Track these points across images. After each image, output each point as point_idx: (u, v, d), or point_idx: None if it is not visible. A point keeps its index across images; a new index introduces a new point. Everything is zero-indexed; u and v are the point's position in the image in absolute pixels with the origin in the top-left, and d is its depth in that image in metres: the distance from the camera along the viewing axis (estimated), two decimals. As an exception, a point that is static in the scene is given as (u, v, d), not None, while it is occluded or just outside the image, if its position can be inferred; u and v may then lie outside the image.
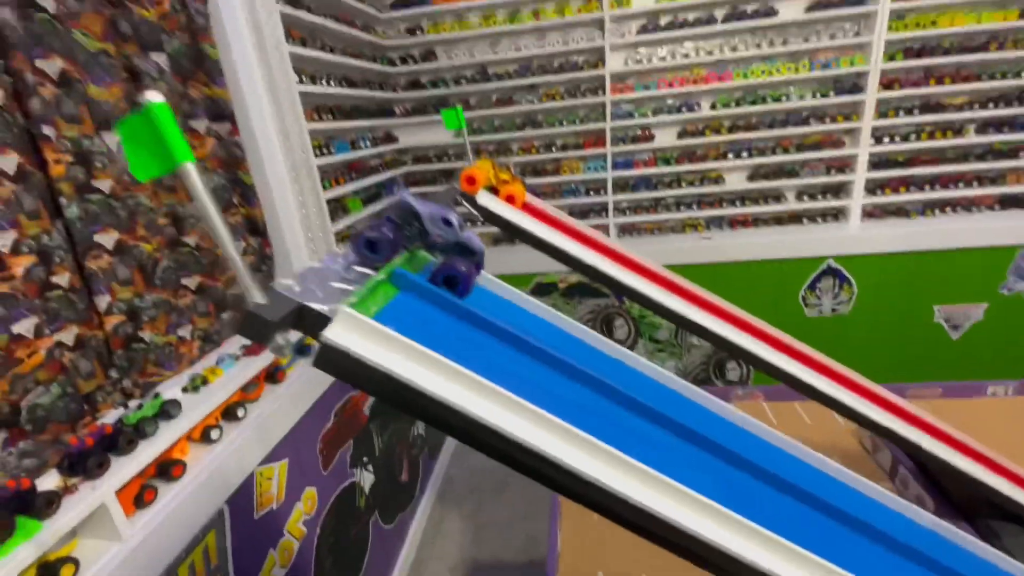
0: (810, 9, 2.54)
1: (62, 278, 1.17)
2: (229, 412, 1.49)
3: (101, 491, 1.06)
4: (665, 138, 2.89)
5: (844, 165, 2.76)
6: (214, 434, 1.40)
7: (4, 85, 1.05)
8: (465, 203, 1.08)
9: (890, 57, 2.54)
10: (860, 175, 2.72)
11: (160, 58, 1.44)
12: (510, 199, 1.08)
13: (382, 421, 2.35)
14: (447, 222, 0.61)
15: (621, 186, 2.95)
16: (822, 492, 0.56)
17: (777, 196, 2.88)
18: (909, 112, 2.63)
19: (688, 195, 2.93)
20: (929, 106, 2.62)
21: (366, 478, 2.17)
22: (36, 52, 1.11)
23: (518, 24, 2.69)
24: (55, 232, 1.15)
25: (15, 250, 1.07)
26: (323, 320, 0.43)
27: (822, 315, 2.87)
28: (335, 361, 0.42)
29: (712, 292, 1.11)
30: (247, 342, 1.68)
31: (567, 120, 2.86)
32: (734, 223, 2.93)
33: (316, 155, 2.06)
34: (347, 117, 2.35)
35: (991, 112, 2.57)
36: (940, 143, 2.66)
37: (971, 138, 2.64)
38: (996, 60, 2.51)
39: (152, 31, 1.41)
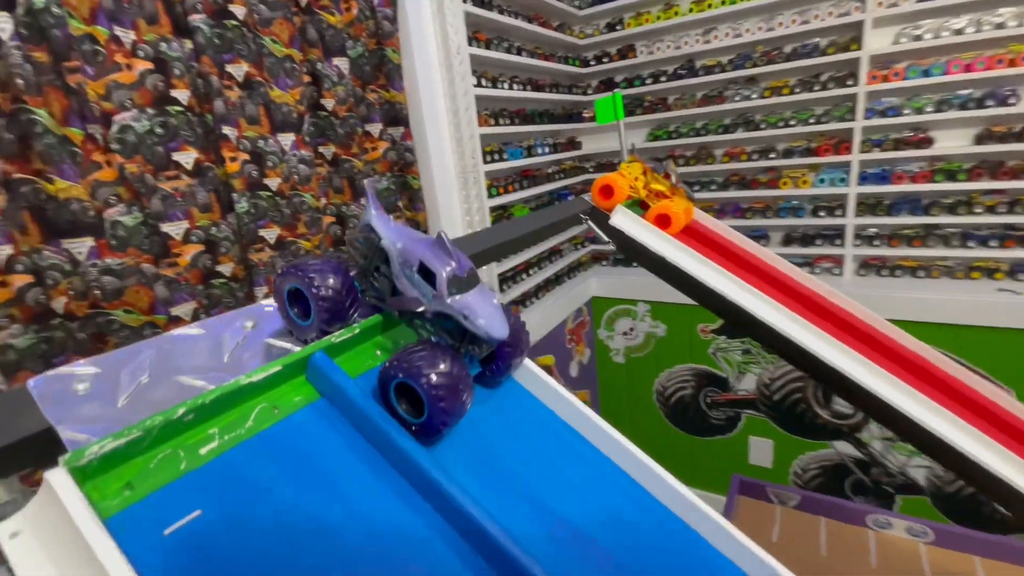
0: None
1: (226, 267, 1.25)
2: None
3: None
4: (951, 141, 2.05)
5: None
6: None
7: (192, 87, 1.14)
8: (590, 223, 0.79)
9: None
10: None
11: (342, 62, 1.48)
12: (661, 220, 0.75)
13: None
14: (427, 272, 0.36)
15: (870, 206, 2.20)
16: None
17: None
18: None
19: (983, 225, 2.03)
20: None
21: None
22: (225, 57, 1.20)
23: (741, 4, 2.20)
24: (224, 224, 1.24)
25: (185, 239, 1.16)
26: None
27: None
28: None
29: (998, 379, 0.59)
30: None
31: (797, 119, 2.25)
32: (1068, 270, 1.92)
33: (487, 161, 1.97)
34: (526, 122, 2.23)
35: None
36: None
37: None
38: None
39: (337, 37, 1.46)
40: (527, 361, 0.47)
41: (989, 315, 1.90)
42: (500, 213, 2.11)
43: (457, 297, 0.36)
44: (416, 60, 1.72)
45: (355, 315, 0.40)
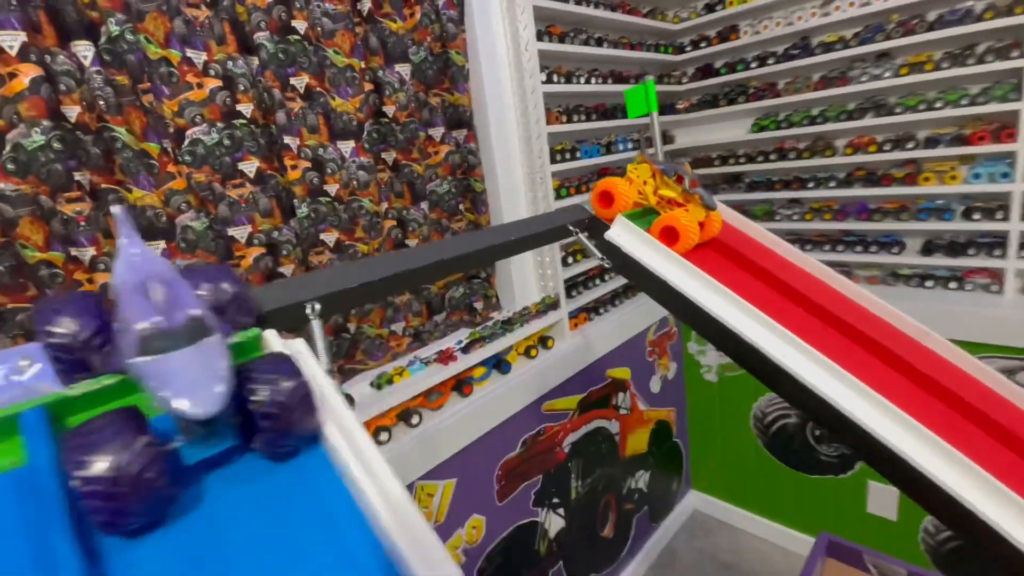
0: None
1: (287, 269, 1.34)
2: (405, 416, 1.49)
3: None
4: None
5: None
6: (383, 436, 1.42)
7: (256, 100, 1.23)
8: (580, 236, 0.69)
9: None
10: None
11: (403, 68, 1.50)
12: (668, 235, 0.62)
13: (585, 462, 2.05)
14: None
15: (1045, 207, 1.72)
16: None
17: None
18: None
19: None
20: None
21: (553, 521, 1.93)
22: (288, 71, 1.27)
23: (869, -34, 1.85)
24: (285, 228, 1.32)
25: (249, 242, 1.26)
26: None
27: None
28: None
29: None
30: (444, 346, 1.66)
31: (944, 100, 1.83)
32: None
33: (556, 160, 1.89)
34: (606, 117, 2.10)
35: None
36: None
37: None
38: None
39: (399, 44, 1.48)
40: (345, 427, 0.39)
41: None
42: (570, 215, 2.02)
43: (147, 359, 0.28)
44: (482, 60, 1.70)
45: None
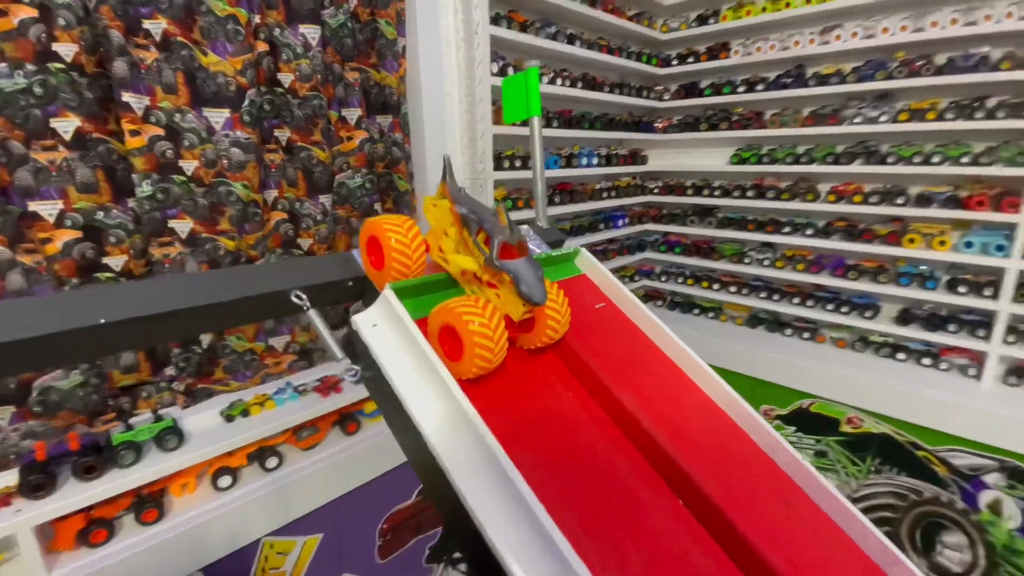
0: None
1: (117, 260, 1.05)
2: (260, 456, 1.21)
3: (14, 520, 0.87)
4: None
5: None
6: (224, 481, 1.14)
7: (82, 40, 0.94)
8: (310, 312, 0.43)
9: None
10: None
11: (311, 31, 1.22)
12: (449, 338, 0.37)
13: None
14: None
15: (1040, 289, 1.52)
16: None
17: None
18: None
19: None
20: None
21: (450, 581, 1.67)
22: (142, 11, 0.99)
23: (879, -7, 1.63)
24: (116, 210, 1.04)
25: (58, 222, 0.97)
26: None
27: None
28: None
29: None
30: (331, 372, 1.39)
31: (944, 155, 1.62)
32: None
33: (504, 167, 1.63)
34: (570, 125, 1.84)
35: None
36: None
37: None
38: None
39: (307, 0, 1.20)
40: None
41: None
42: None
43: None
44: (421, 38, 1.43)
45: None
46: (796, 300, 2.00)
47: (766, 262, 2.05)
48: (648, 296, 2.42)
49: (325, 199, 1.34)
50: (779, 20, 1.86)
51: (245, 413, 1.20)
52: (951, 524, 1.56)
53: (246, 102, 1.14)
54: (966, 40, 1.55)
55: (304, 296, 0.44)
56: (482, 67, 1.49)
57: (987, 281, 1.59)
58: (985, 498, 1.51)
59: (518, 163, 1.67)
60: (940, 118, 1.60)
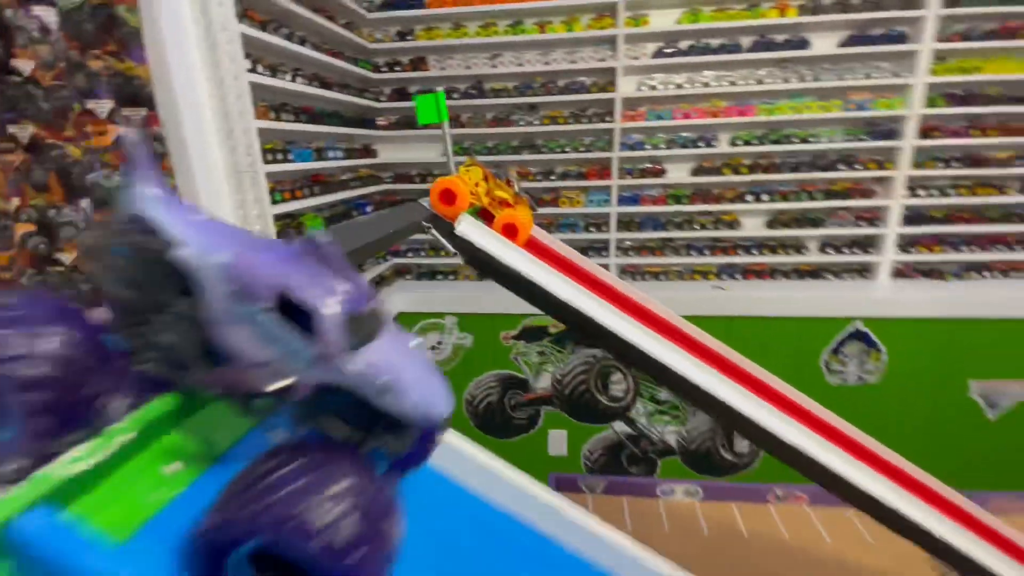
0: (845, 44, 2.30)
1: None
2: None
3: None
4: (677, 174, 2.59)
5: (874, 217, 2.48)
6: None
7: None
8: (434, 232, 0.73)
9: (931, 102, 2.29)
10: (892, 229, 2.43)
11: (46, 12, 1.07)
12: (509, 231, 0.72)
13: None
14: (294, 310, 0.22)
15: (626, 223, 2.63)
16: None
17: (798, 246, 2.58)
18: (948, 164, 2.37)
19: (700, 238, 2.62)
20: (970, 159, 2.37)
21: None
22: None
23: (521, 36, 2.40)
24: None
25: None
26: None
27: (846, 384, 2.53)
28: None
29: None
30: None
31: (570, 146, 2.55)
32: (749, 273, 2.61)
33: (268, 160, 1.69)
34: (315, 121, 2.01)
35: (1040, 170, 2.32)
36: (980, 200, 2.39)
37: (1014, 197, 2.38)
38: (1049, 113, 2.27)
39: (34, -26, 1.05)
40: None
41: (706, 306, 2.44)
42: (287, 222, 1.85)
43: (362, 353, 0.22)
44: (165, 29, 1.37)
45: (105, 406, 0.22)
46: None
47: (482, 228, 2.72)
48: (398, 272, 2.80)
49: (85, 203, 1.19)
50: (459, 45, 2.47)
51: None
52: (615, 369, 2.59)
53: (-23, 90, 0.95)
54: (574, 72, 2.48)
55: (427, 224, 0.67)
56: (235, 63, 1.53)
57: (602, 222, 2.62)
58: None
59: (279, 156, 1.77)
60: (566, 122, 2.51)
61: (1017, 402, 2.48)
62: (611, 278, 0.92)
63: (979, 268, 2.48)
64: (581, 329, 0.70)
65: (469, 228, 0.73)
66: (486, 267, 0.73)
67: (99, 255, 0.22)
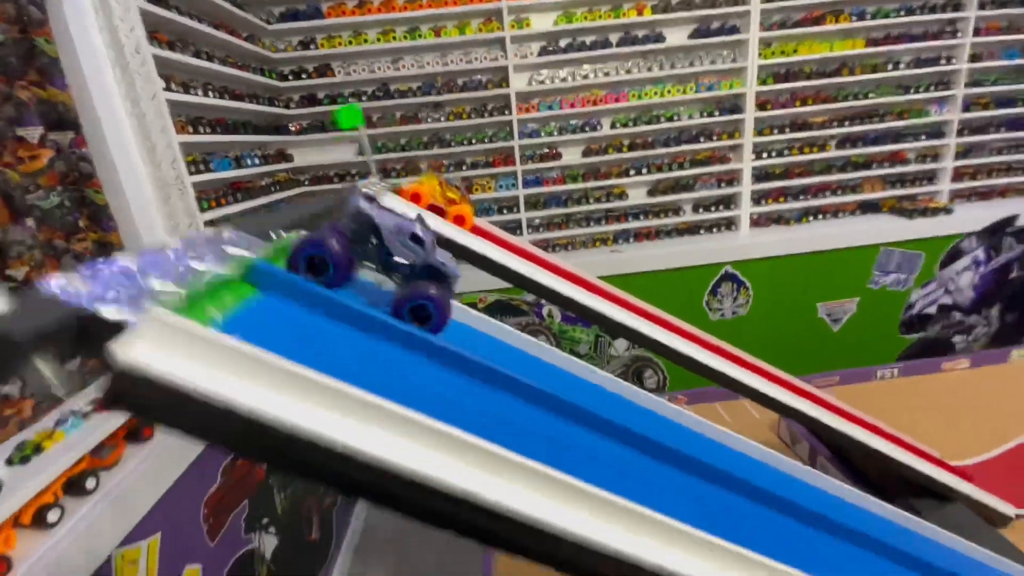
0: (692, 36, 2.75)
1: None
2: (74, 485, 1.18)
3: None
4: (571, 156, 2.94)
5: (732, 178, 2.99)
6: (52, 515, 1.10)
7: None
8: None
9: (762, 81, 2.81)
10: (746, 187, 2.95)
11: (-31, 48, 1.16)
12: (459, 220, 0.97)
13: (283, 474, 2.06)
14: (416, 239, 0.50)
15: (533, 203, 2.95)
16: (795, 495, 0.50)
17: (676, 209, 3.04)
18: (781, 130, 2.92)
19: (595, 211, 3.00)
20: (797, 124, 2.93)
21: (267, 542, 1.88)
22: None
23: (419, 40, 2.62)
24: None
25: None
26: (117, 331, 0.27)
27: (724, 318, 3.04)
28: (141, 395, 0.27)
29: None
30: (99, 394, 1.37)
31: (476, 138, 2.81)
32: (639, 236, 3.04)
33: (192, 172, 1.80)
34: (228, 131, 2.11)
35: (847, 129, 2.93)
36: (808, 157, 2.97)
37: (833, 152, 2.98)
38: (849, 83, 2.87)
39: (-44, 14, 1.14)
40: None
41: (608, 267, 2.83)
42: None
43: (435, 253, 0.51)
44: (81, 57, 1.46)
45: (354, 269, 0.51)
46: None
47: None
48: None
49: (31, 223, 1.28)
50: (362, 51, 2.64)
51: (38, 449, 1.14)
52: (541, 330, 2.91)
53: (-77, 125, 1.04)
54: (470, 71, 2.73)
55: None
56: (151, 83, 1.64)
57: (512, 204, 2.93)
58: (545, 309, 2.91)
59: (201, 167, 1.88)
60: (469, 117, 2.77)
61: (851, 315, 3.12)
62: (536, 249, 1.19)
63: (814, 212, 3.08)
64: (520, 286, 0.96)
65: (431, 221, 0.97)
66: (445, 247, 0.97)
67: (354, 218, 0.50)
